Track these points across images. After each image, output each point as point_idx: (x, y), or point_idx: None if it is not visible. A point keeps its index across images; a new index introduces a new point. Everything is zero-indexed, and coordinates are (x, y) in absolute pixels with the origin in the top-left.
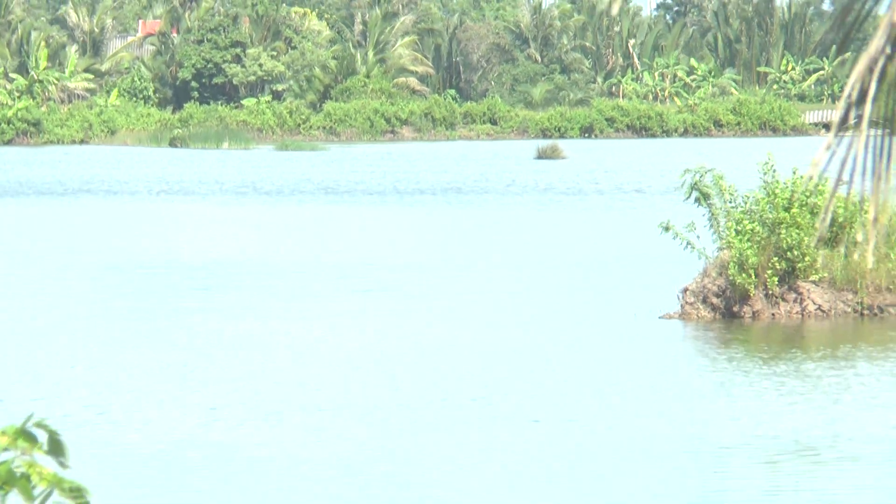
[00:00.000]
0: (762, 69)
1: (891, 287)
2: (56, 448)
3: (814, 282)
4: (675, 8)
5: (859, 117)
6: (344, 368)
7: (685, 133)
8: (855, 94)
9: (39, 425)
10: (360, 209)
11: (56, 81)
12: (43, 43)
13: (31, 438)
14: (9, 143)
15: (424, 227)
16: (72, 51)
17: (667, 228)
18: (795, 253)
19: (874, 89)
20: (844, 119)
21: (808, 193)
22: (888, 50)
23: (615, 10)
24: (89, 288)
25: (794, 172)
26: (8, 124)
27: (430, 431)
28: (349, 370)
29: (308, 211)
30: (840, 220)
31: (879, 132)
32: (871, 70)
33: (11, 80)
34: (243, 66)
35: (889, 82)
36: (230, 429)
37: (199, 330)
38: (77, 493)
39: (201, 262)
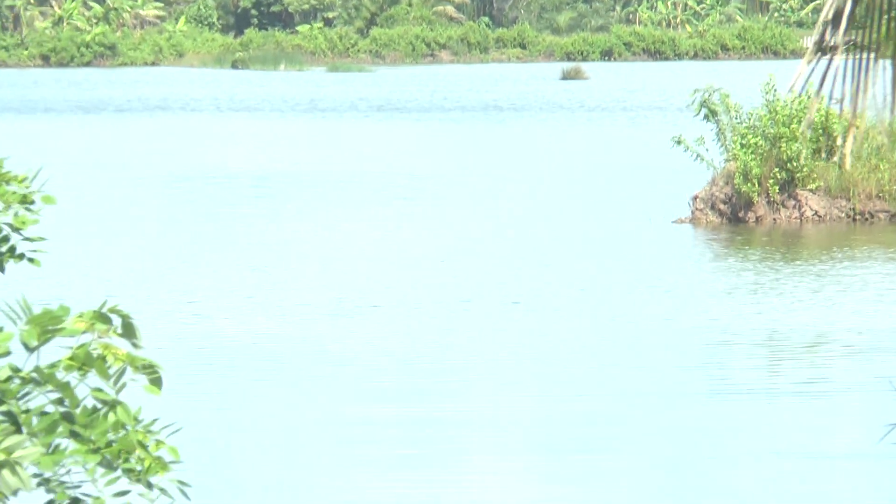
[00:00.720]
0: None
1: (880, 194)
2: (129, 330)
3: (811, 190)
4: None
5: (843, 40)
6: (390, 265)
7: (695, 56)
8: (830, 16)
9: (113, 310)
10: (408, 125)
11: (129, 9)
12: None
13: (107, 321)
14: (87, 64)
15: (466, 141)
16: None
17: (679, 142)
18: (794, 164)
19: (849, 9)
20: (821, 39)
21: (802, 109)
22: None
23: None
24: (163, 195)
25: (791, 90)
26: (86, 48)
27: (467, 322)
28: (395, 267)
29: (363, 126)
30: (835, 134)
31: (861, 54)
32: None
33: (89, 8)
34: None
35: (866, 8)
36: (292, 320)
37: (263, 232)
38: (150, 369)
39: (265, 172)
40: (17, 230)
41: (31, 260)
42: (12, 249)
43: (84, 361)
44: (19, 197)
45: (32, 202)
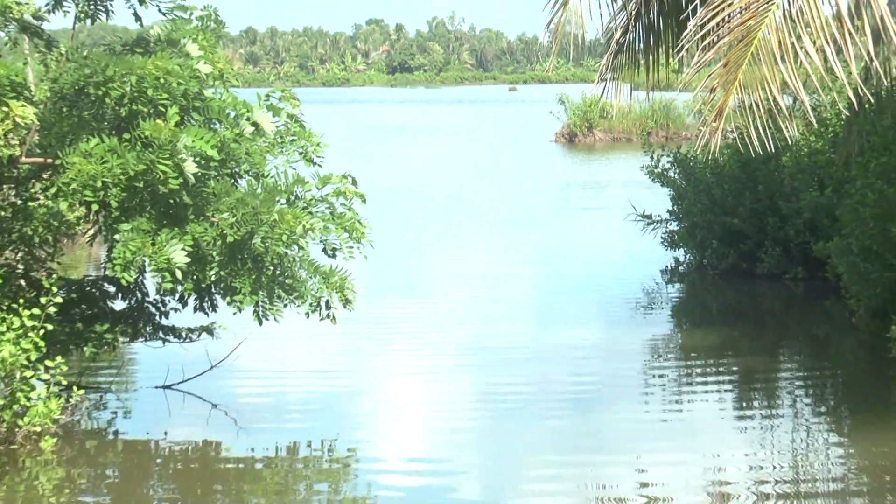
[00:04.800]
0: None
1: (624, 130)
2: (354, 181)
3: (600, 129)
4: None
5: (610, 75)
6: (449, 154)
7: (558, 83)
8: (603, 65)
9: (348, 174)
10: (458, 108)
11: (352, 66)
12: (350, 53)
13: (346, 179)
14: (339, 86)
15: (477, 113)
16: (358, 56)
17: (551, 112)
18: (594, 121)
19: (612, 62)
20: (601, 74)
21: (596, 101)
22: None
23: (540, 39)
24: (365, 134)
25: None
26: (339, 80)
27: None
28: (450, 155)
29: (442, 108)
30: (609, 109)
31: (618, 80)
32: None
33: (339, 66)
34: (415, 61)
35: (620, 63)
36: (416, 173)
37: (405, 145)
38: (361, 196)
39: (406, 124)
40: (313, 153)
41: (313, 163)
42: (311, 159)
43: (342, 190)
44: (316, 143)
45: (319, 149)
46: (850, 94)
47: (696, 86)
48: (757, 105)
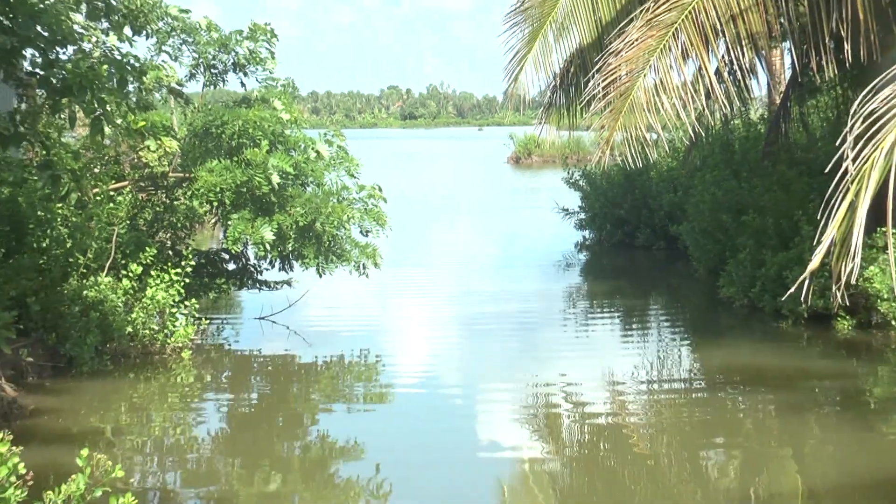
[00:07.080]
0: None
1: (553, 154)
2: (380, 189)
3: (536, 154)
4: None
5: (546, 119)
6: (448, 166)
7: (509, 125)
8: (541, 115)
9: (376, 185)
10: (451, 141)
11: (378, 115)
12: (377, 107)
13: (376, 187)
14: (370, 128)
15: (457, 144)
16: (382, 109)
17: (505, 144)
18: (536, 149)
19: (546, 111)
20: (539, 118)
21: (535, 138)
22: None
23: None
24: (385, 159)
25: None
26: (366, 123)
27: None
28: (448, 167)
29: (433, 142)
30: (545, 141)
31: (548, 124)
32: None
33: (370, 116)
34: (419, 111)
35: (551, 111)
36: (421, 181)
37: (415, 167)
38: (384, 198)
39: (416, 151)
40: (353, 169)
41: (353, 176)
42: (351, 172)
43: (372, 193)
44: (355, 164)
45: (358, 168)
46: (690, 131)
47: (595, 124)
48: (632, 139)
